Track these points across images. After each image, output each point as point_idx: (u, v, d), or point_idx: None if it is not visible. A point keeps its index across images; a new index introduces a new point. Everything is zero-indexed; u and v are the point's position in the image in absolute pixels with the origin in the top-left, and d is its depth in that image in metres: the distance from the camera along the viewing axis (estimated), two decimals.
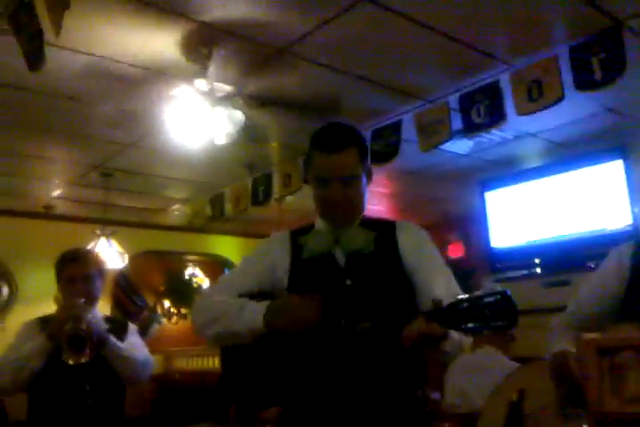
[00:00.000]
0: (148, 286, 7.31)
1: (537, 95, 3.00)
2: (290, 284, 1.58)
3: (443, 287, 1.49)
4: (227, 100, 3.08)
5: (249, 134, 3.37)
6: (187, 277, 7.97)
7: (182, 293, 7.71)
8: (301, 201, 5.80)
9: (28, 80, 3.17)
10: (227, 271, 8.08)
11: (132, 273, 6.76)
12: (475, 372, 2.83)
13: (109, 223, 5.38)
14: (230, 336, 1.52)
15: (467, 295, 1.22)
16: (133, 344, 2.31)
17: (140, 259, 6.55)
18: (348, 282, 1.52)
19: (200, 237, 7.09)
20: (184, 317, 7.48)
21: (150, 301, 7.49)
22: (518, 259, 4.80)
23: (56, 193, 5.46)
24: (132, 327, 2.45)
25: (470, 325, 1.18)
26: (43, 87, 3.34)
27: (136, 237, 6.13)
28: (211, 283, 8.24)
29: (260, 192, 4.88)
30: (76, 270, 2.28)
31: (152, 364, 2.36)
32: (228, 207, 5.28)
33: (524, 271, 4.66)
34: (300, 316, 1.43)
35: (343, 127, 1.60)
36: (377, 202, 6.02)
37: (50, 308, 5.47)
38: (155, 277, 7.87)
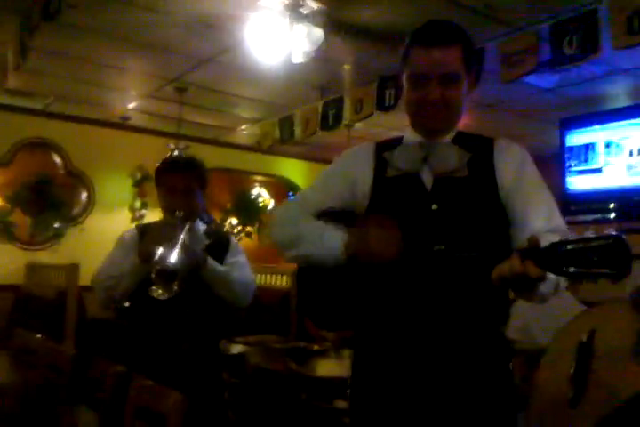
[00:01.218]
0: (216, 203, 7.55)
1: (638, 28, 2.74)
2: (371, 204, 1.44)
3: (542, 220, 1.34)
4: (310, 17, 2.98)
5: (325, 55, 3.29)
6: (253, 196, 8.15)
7: (248, 212, 7.93)
8: (371, 128, 5.74)
9: None
10: (290, 195, 8.22)
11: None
12: (541, 310, 2.76)
13: (182, 138, 5.51)
14: (310, 261, 1.46)
15: (572, 235, 1.06)
16: (234, 264, 2.13)
17: (209, 176, 6.72)
18: (434, 207, 1.37)
19: (268, 158, 7.18)
20: (249, 235, 7.72)
21: (217, 218, 7.74)
22: (593, 203, 4.62)
23: (132, 105, 5.59)
24: (234, 243, 2.26)
25: (572, 270, 1.02)
26: None
27: (207, 153, 6.25)
28: (276, 204, 8.41)
29: (331, 116, 4.82)
30: (176, 181, 2.08)
31: (253, 285, 2.18)
32: (297, 130, 5.27)
33: (598, 216, 4.50)
34: (378, 250, 1.31)
35: (448, 23, 1.41)
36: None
37: (124, 214, 5.82)
38: (222, 194, 8.09)
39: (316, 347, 3.05)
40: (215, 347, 2.15)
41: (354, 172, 1.49)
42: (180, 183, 2.07)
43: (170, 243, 1.88)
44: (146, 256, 1.90)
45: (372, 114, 4.33)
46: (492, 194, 1.38)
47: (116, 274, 2.01)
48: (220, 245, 2.16)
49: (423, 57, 1.36)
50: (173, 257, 1.84)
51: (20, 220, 5.50)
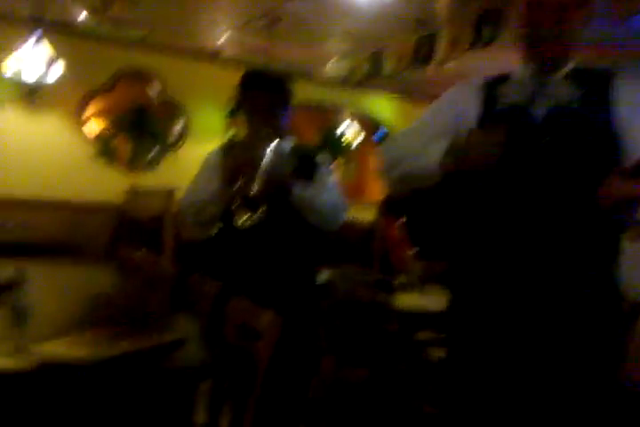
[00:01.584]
0: (302, 138, 7.64)
1: None
2: None
3: None
4: None
5: None
6: (340, 132, 8.16)
7: (335, 147, 7.97)
8: (465, 66, 5.52)
9: None
10: (379, 131, 8.14)
11: (289, 123, 7.03)
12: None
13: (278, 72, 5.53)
14: (412, 178, 1.45)
15: None
16: (323, 185, 2.01)
17: (296, 111, 6.77)
18: (547, 139, 1.34)
19: (355, 93, 7.11)
20: (335, 170, 7.81)
21: None
22: None
23: (224, 38, 5.65)
24: (323, 161, 2.12)
25: None
26: None
27: (295, 88, 6.30)
28: (363, 139, 8.39)
29: (423, 52, 4.68)
30: (260, 99, 1.96)
31: (344, 209, 2.07)
32: (388, 65, 5.17)
33: None
34: (478, 153, 1.29)
35: None
36: None
37: (217, 143, 6.02)
38: (308, 129, 8.15)
39: (402, 279, 3.13)
40: (309, 272, 2.12)
41: (461, 106, 1.48)
42: (265, 102, 1.95)
43: (253, 166, 1.80)
44: (228, 181, 1.84)
45: (469, 50, 4.17)
46: (607, 129, 1.34)
47: (199, 200, 1.96)
48: (307, 164, 2.04)
49: None
50: (257, 184, 1.75)
51: (121, 145, 5.84)
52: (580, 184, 1.28)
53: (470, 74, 1.63)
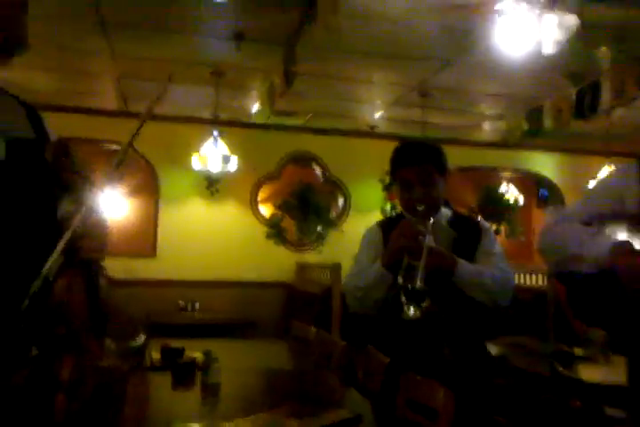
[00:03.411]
0: (461, 202, 7.52)
1: None
2: None
3: None
4: (562, 4, 2.82)
5: (578, 40, 3.06)
6: (500, 193, 7.92)
7: (496, 209, 7.72)
8: (633, 113, 5.15)
9: (358, 7, 3.42)
10: (542, 190, 7.76)
11: (447, 189, 6.99)
12: None
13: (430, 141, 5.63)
14: (575, 264, 1.46)
15: None
16: (488, 257, 1.89)
17: (453, 175, 6.73)
18: None
19: (514, 153, 6.91)
20: (497, 233, 7.52)
21: None
22: None
23: (379, 114, 5.90)
24: (486, 228, 2.00)
25: None
26: (364, 11, 3.56)
27: (451, 153, 6.26)
28: (525, 199, 8.04)
29: (586, 103, 4.46)
30: (412, 174, 1.88)
31: (512, 282, 1.92)
32: (547, 122, 4.99)
33: None
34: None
35: None
36: None
37: (376, 216, 6.18)
38: (468, 193, 8.02)
39: (581, 351, 2.86)
40: (480, 347, 2.02)
41: (621, 193, 1.50)
42: (417, 177, 1.87)
43: (414, 249, 1.71)
44: (391, 264, 1.78)
45: (637, 97, 3.89)
46: None
47: (362, 285, 1.89)
48: (470, 233, 1.93)
49: None
50: (420, 275, 1.65)
51: (289, 225, 6.22)
52: None
53: (638, 122, 1.57)
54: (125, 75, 4.91)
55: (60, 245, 0.96)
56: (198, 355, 2.25)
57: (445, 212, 1.99)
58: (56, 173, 1.11)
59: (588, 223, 1.53)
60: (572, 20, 2.72)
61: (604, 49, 3.95)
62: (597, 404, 2.38)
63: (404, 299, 1.67)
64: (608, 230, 1.46)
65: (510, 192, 7.99)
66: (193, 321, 5.08)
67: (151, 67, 4.51)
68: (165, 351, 2.37)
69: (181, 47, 4.18)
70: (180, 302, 5.46)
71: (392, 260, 1.77)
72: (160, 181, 5.96)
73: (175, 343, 2.46)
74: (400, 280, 1.69)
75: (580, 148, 6.82)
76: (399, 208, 2.15)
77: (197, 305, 5.46)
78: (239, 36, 3.75)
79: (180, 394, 2.11)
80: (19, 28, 1.11)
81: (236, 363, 2.59)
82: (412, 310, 1.66)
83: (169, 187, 5.95)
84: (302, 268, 6.02)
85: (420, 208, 1.82)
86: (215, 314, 5.35)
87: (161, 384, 2.18)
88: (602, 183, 1.68)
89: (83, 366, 0.97)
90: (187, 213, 5.94)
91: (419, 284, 1.64)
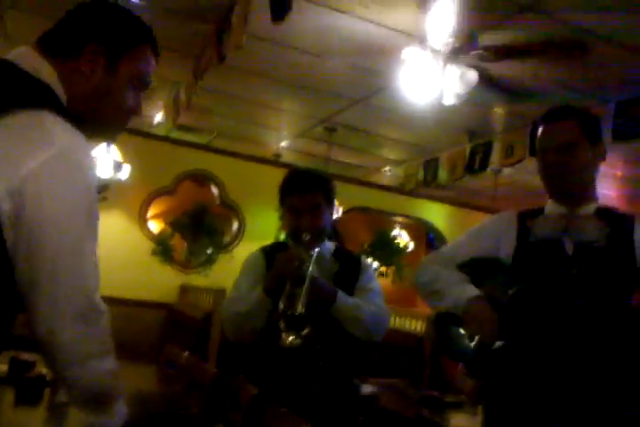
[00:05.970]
0: (354, 242, 7.67)
1: None
2: (513, 265, 1.59)
3: None
4: (462, 55, 3.01)
5: (476, 99, 3.28)
6: (392, 237, 8.17)
7: (386, 252, 7.94)
8: (520, 175, 5.56)
9: (273, 33, 3.44)
10: (431, 237, 8.10)
11: (341, 227, 7.12)
12: None
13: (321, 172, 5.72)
14: (438, 301, 1.63)
15: None
16: (366, 293, 1.92)
17: (350, 214, 6.87)
18: (575, 271, 1.48)
19: (409, 200, 7.19)
20: (383, 275, 7.72)
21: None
22: None
23: (284, 143, 5.94)
24: (365, 265, 2.04)
25: None
26: (286, 40, 3.60)
27: (350, 192, 6.42)
28: (415, 246, 8.35)
29: (478, 160, 4.74)
30: (301, 201, 1.87)
31: (385, 318, 1.96)
32: (442, 173, 5.25)
33: None
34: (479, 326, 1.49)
35: (567, 105, 1.64)
36: (608, 186, 5.47)
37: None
38: (361, 233, 8.21)
39: (450, 398, 2.93)
40: (349, 384, 2.01)
41: (498, 236, 1.65)
42: (307, 204, 1.87)
43: (295, 278, 1.72)
44: (271, 292, 1.77)
45: (524, 159, 4.20)
46: (631, 265, 1.48)
47: (242, 310, 1.84)
48: (350, 268, 1.96)
49: (542, 132, 1.59)
50: (301, 302, 1.64)
51: (178, 244, 6.01)
52: (607, 310, 1.42)
53: (526, 182, 1.72)
54: None
55: None
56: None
57: (329, 244, 2.00)
58: None
59: (461, 264, 1.64)
60: (472, 75, 2.90)
61: (497, 110, 4.25)
62: None
63: (282, 326, 1.65)
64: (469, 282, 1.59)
65: (401, 237, 8.28)
66: None
67: None
68: (13, 364, 2.14)
69: None
70: None
71: (274, 285, 1.76)
72: None
73: (28, 356, 2.24)
74: (281, 306, 1.67)
75: (469, 202, 7.24)
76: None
77: None
78: None
79: (23, 412, 1.90)
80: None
81: None
82: (290, 338, 1.65)
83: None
84: (186, 290, 5.80)
85: (306, 237, 1.82)
86: None
87: (2, 399, 1.96)
88: (481, 229, 1.76)
89: None
90: None
91: (300, 309, 1.63)
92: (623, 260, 1.48)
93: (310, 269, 1.74)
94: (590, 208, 1.58)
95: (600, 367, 1.42)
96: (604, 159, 1.60)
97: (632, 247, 1.48)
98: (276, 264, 1.81)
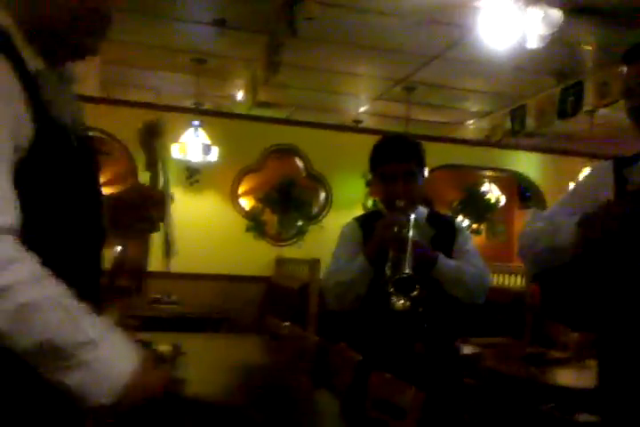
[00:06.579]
0: (443, 201, 7.51)
1: None
2: None
3: None
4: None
5: (562, 38, 3.04)
6: (482, 193, 7.92)
7: (477, 208, 7.72)
8: (618, 113, 5.15)
9: None
10: (521, 189, 7.78)
11: (428, 187, 6.99)
12: None
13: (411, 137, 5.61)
14: (546, 258, 1.48)
15: None
16: (464, 255, 1.92)
17: (436, 173, 6.71)
18: None
19: (497, 152, 6.89)
20: (476, 232, 7.53)
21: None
22: None
23: (363, 108, 5.86)
24: (461, 228, 2.07)
25: None
26: (357, 3, 3.50)
27: (434, 151, 6.24)
28: (507, 199, 8.06)
29: (569, 103, 4.45)
30: (393, 168, 1.89)
31: (487, 278, 1.94)
32: (531, 121, 4.98)
33: None
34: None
35: None
36: None
37: (357, 212, 6.12)
38: (450, 191, 8.01)
39: (556, 354, 2.84)
40: (451, 347, 2.02)
41: (596, 189, 1.54)
42: (399, 171, 1.88)
43: (397, 243, 1.74)
44: (374, 260, 1.79)
45: (619, 100, 3.88)
46: None
47: (344, 280, 1.87)
48: (446, 232, 1.96)
49: (629, 72, 1.46)
50: (408, 262, 1.67)
51: (270, 219, 6.15)
52: None
53: (624, 121, 1.59)
54: (106, 60, 4.81)
55: None
56: (166, 348, 2.18)
57: (423, 210, 2.00)
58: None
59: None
60: (556, 14, 2.69)
61: (586, 48, 3.94)
62: (568, 408, 2.37)
63: (392, 290, 1.68)
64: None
65: (492, 192, 8.00)
66: (166, 314, 4.99)
67: (131, 52, 4.42)
68: None
69: (161, 32, 4.09)
70: (153, 293, 5.37)
71: (376, 252, 1.79)
72: (139, 169, 5.86)
73: (144, 336, 2.40)
74: (387, 271, 1.70)
75: (562, 148, 6.84)
76: (380, 205, 2.13)
77: (172, 298, 5.37)
78: (220, 23, 3.67)
79: None
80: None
81: (206, 358, 2.54)
82: (400, 301, 1.68)
83: (147, 176, 5.82)
84: (281, 262, 5.96)
85: (401, 204, 1.84)
86: (190, 307, 5.26)
87: None
88: (578, 185, 1.72)
89: None
90: None
91: (408, 271, 1.66)
92: None
93: (410, 233, 1.77)
94: None
95: None
96: None
97: None
98: (376, 231, 1.84)
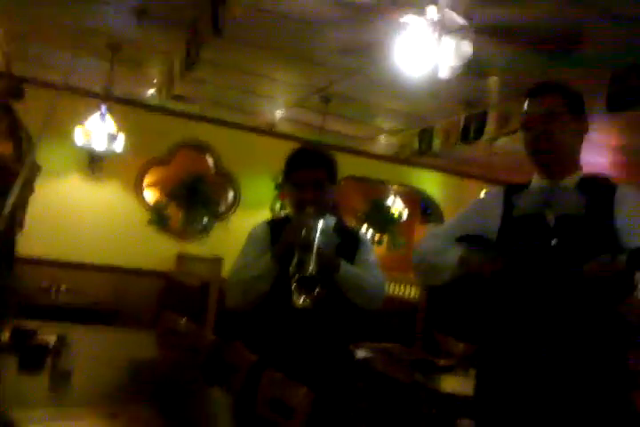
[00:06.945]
0: (350, 210, 7.71)
1: None
2: (499, 240, 1.66)
3: None
4: (457, 31, 2.99)
5: (472, 69, 3.26)
6: (387, 205, 8.21)
7: (381, 220, 8.00)
8: (515, 144, 5.53)
9: (267, 3, 3.40)
10: (423, 206, 8.16)
11: (337, 196, 7.13)
12: None
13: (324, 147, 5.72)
14: (432, 274, 1.71)
15: None
16: (365, 264, 2.04)
17: (344, 183, 6.89)
18: (554, 242, 1.54)
19: (405, 168, 7.21)
20: (378, 242, 7.80)
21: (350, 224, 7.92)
22: None
23: (279, 113, 5.90)
24: (364, 239, 2.19)
25: None
26: (278, 9, 3.55)
27: (345, 161, 6.40)
28: (409, 214, 8.40)
29: (472, 130, 4.76)
30: (305, 176, 2.00)
31: (384, 287, 2.09)
32: (437, 142, 5.26)
33: None
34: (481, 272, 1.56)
35: (551, 81, 1.69)
36: (601, 154, 5.50)
37: (264, 214, 6.15)
38: (357, 201, 8.24)
39: (442, 362, 3.02)
40: (345, 350, 2.11)
41: (486, 212, 1.72)
42: (311, 178, 2.00)
43: (304, 244, 1.83)
44: (280, 259, 1.87)
45: (517, 131, 4.19)
46: (609, 234, 1.51)
47: (249, 277, 1.95)
48: (350, 242, 2.07)
49: (526, 106, 1.64)
50: (312, 263, 1.76)
51: (174, 213, 6.04)
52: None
53: (520, 152, 1.74)
54: (13, 33, 4.52)
55: None
56: (53, 339, 2.11)
57: (331, 219, 2.10)
58: None
59: (461, 237, 1.70)
60: (467, 48, 2.89)
61: (494, 79, 4.23)
62: (450, 413, 2.53)
63: (294, 287, 1.76)
64: (461, 245, 1.66)
65: (396, 205, 8.32)
66: (56, 303, 4.77)
67: (39, 28, 4.20)
68: (15, 332, 2.20)
69: (76, 12, 3.89)
70: (44, 282, 5.11)
71: (282, 252, 1.88)
72: (36, 150, 5.53)
73: (31, 325, 2.30)
74: (292, 269, 1.78)
75: (463, 171, 7.26)
76: (288, 208, 2.24)
77: (63, 287, 5.14)
78: (142, 11, 3.58)
79: (26, 379, 1.96)
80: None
81: (95, 350, 2.47)
82: (302, 298, 1.75)
83: (46, 159, 5.49)
84: (182, 259, 5.87)
85: (310, 210, 1.94)
86: (82, 298, 5.06)
87: (6, 367, 2.02)
88: (472, 205, 1.85)
89: None
90: (63, 189, 5.55)
91: (311, 270, 1.74)
92: (600, 229, 1.52)
93: (317, 237, 1.85)
94: (573, 179, 1.61)
95: (585, 331, 1.48)
96: (586, 132, 1.64)
97: (611, 216, 1.52)
98: (285, 233, 1.93)
